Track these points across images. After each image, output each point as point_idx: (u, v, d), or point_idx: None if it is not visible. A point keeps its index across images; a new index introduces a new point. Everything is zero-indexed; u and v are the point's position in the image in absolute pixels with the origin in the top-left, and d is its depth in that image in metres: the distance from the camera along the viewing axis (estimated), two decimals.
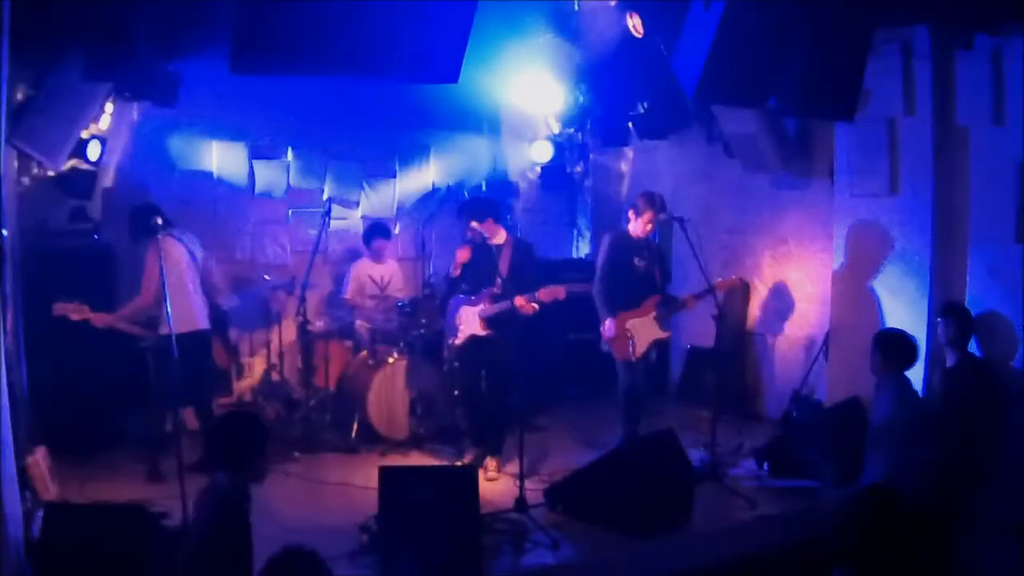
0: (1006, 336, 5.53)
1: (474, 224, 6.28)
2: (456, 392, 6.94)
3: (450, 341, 6.58)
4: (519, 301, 5.97)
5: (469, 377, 6.56)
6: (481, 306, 6.29)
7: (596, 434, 6.94)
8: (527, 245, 6.53)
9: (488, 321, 6.28)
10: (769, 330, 7.71)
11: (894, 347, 5.15)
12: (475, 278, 6.38)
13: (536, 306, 5.99)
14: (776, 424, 6.69)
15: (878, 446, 5.10)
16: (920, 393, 5.90)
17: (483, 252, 6.33)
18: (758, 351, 7.82)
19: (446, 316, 6.69)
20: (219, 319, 6.59)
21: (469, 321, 6.37)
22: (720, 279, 6.48)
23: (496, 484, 6.09)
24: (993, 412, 5.34)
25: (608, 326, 6.24)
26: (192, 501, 3.83)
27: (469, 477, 5.06)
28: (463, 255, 6.41)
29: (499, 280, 6.19)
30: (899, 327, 6.06)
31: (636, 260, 6.31)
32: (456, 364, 6.78)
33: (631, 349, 6.22)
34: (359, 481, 5.76)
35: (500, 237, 6.34)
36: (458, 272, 6.45)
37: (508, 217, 8.87)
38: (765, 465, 6.25)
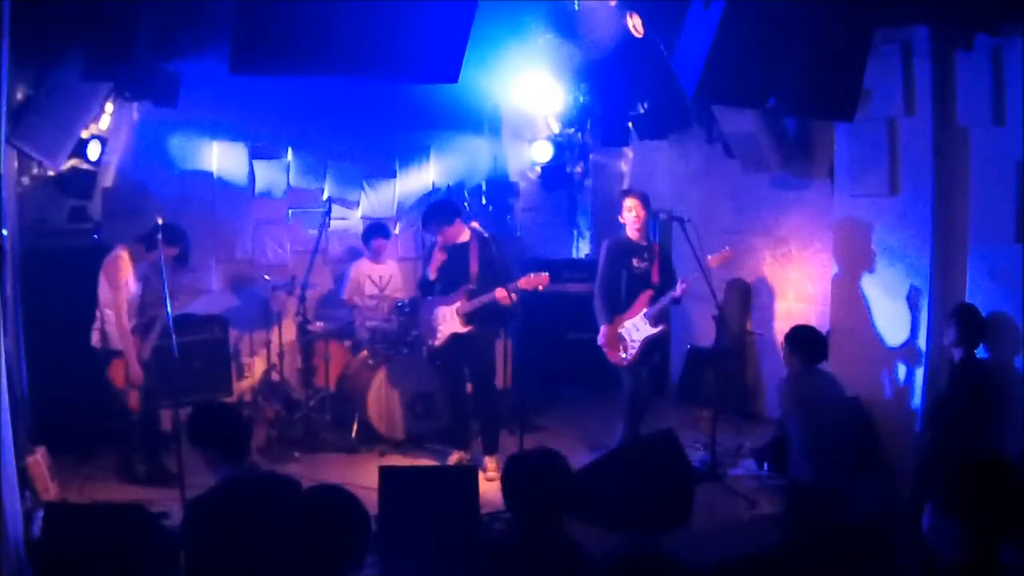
0: (1010, 337, 5.53)
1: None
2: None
3: (430, 343, 6.59)
4: (500, 293, 5.99)
5: (453, 376, 6.58)
6: (458, 304, 6.32)
7: (596, 434, 6.94)
8: (493, 238, 6.51)
9: (468, 317, 6.30)
10: (769, 330, 7.70)
11: (799, 342, 5.36)
12: (448, 278, 6.41)
13: (516, 296, 6.01)
14: (776, 424, 6.68)
15: (794, 436, 5.37)
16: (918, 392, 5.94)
17: (454, 252, 6.37)
18: (758, 351, 7.82)
19: (420, 319, 6.71)
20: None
21: (448, 320, 6.39)
22: (710, 257, 6.23)
23: (496, 484, 6.08)
24: (993, 411, 5.35)
25: (601, 333, 6.30)
26: (194, 507, 3.60)
27: (469, 477, 5.06)
28: (440, 258, 6.44)
29: (472, 276, 6.26)
30: (899, 329, 6.11)
31: (635, 261, 6.32)
32: (439, 364, 6.80)
33: (623, 353, 6.24)
34: (359, 481, 5.75)
35: (465, 235, 6.38)
36: (435, 275, 6.48)
37: (508, 217, 8.90)
38: (765, 465, 6.25)
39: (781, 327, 7.59)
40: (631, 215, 6.27)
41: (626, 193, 6.47)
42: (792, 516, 5.38)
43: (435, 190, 8.61)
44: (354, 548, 2.79)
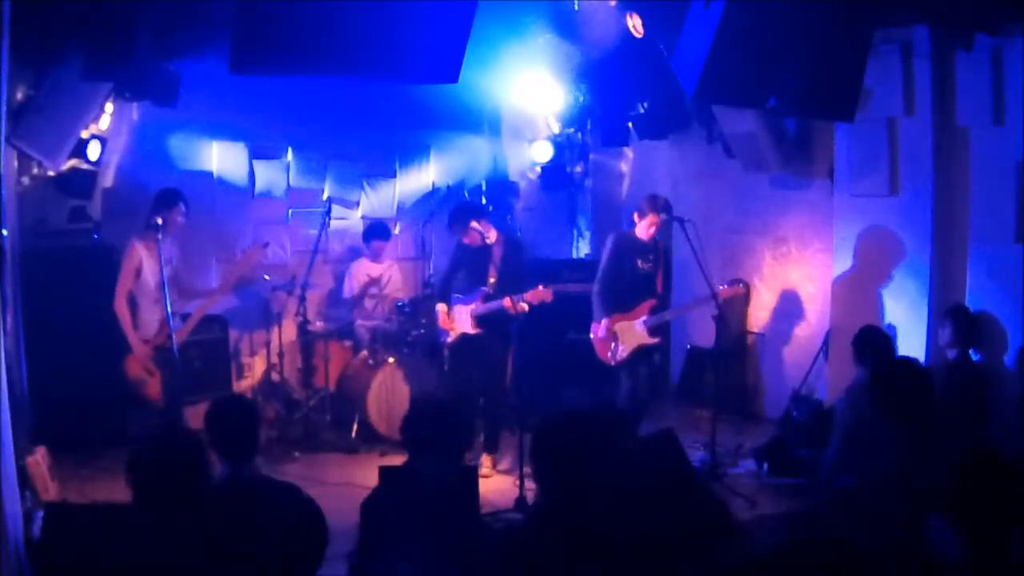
0: (999, 337, 5.54)
1: (475, 224, 6.32)
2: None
3: (443, 340, 6.61)
4: (507, 302, 6.00)
5: (460, 375, 6.58)
6: (474, 305, 6.34)
7: None
8: (518, 244, 6.52)
9: (479, 320, 6.31)
10: (769, 330, 7.70)
11: (867, 346, 5.26)
12: (469, 278, 6.42)
13: (525, 306, 6.01)
14: (776, 424, 6.69)
15: (844, 441, 5.22)
16: None
17: (477, 252, 6.38)
18: (758, 351, 7.82)
19: (438, 317, 6.71)
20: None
21: (461, 320, 6.42)
22: (723, 287, 6.23)
23: (496, 484, 6.09)
24: (982, 412, 5.35)
25: (595, 327, 6.29)
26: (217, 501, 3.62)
27: (469, 477, 5.06)
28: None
29: (492, 279, 6.27)
30: (899, 329, 6.10)
31: (640, 262, 6.30)
32: (448, 362, 6.80)
33: (612, 352, 6.24)
34: (359, 481, 5.76)
35: (491, 236, 6.38)
36: (456, 274, 6.55)
37: (508, 217, 8.89)
38: (765, 465, 6.25)
39: (781, 327, 7.60)
40: (645, 222, 6.22)
41: (652, 207, 6.20)
42: (831, 519, 5.28)
43: (435, 190, 8.61)
44: (308, 548, 2.77)
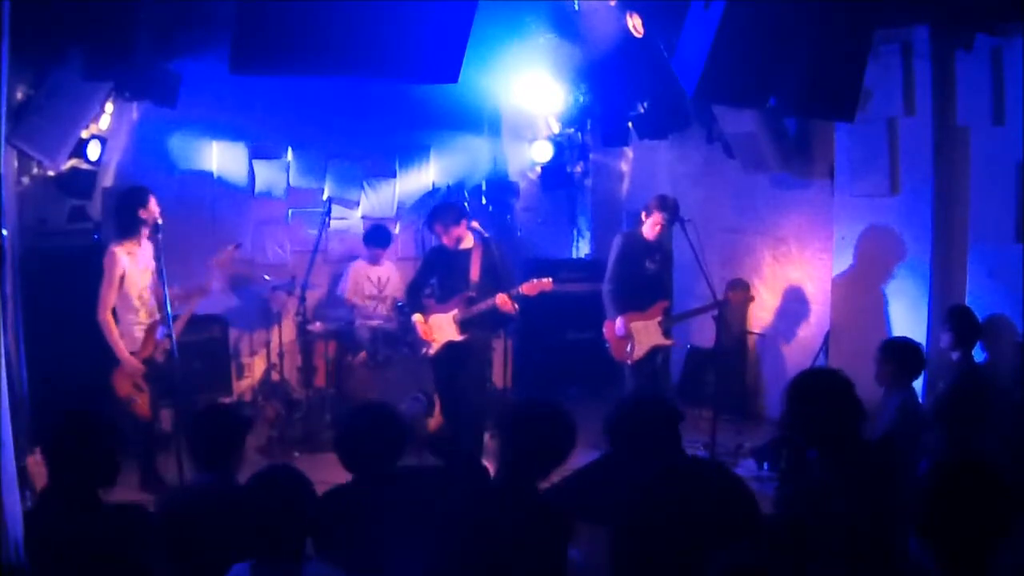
0: (1008, 337, 5.52)
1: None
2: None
3: (424, 351, 6.41)
4: (501, 299, 5.92)
5: (448, 381, 6.48)
6: (455, 311, 6.20)
7: (596, 434, 6.89)
8: (496, 245, 6.45)
9: (464, 325, 6.21)
10: (769, 330, 7.70)
11: (904, 357, 4.96)
12: (445, 283, 6.33)
13: (517, 305, 5.94)
14: (776, 424, 6.68)
15: None
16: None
17: (454, 256, 6.27)
18: (758, 351, 7.82)
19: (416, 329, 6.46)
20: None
21: (443, 328, 6.24)
22: (731, 293, 6.42)
23: None
24: (987, 416, 5.32)
25: (609, 324, 6.26)
26: (165, 508, 3.62)
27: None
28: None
29: (472, 283, 6.15)
30: (900, 329, 6.09)
31: (647, 263, 6.32)
32: (433, 372, 6.59)
33: (629, 351, 6.23)
34: None
35: (468, 241, 6.31)
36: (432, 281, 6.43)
37: (508, 217, 8.89)
38: (765, 465, 6.25)
39: (781, 327, 7.60)
40: (651, 220, 6.24)
41: (660, 207, 6.26)
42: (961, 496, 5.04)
43: (435, 190, 8.61)
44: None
